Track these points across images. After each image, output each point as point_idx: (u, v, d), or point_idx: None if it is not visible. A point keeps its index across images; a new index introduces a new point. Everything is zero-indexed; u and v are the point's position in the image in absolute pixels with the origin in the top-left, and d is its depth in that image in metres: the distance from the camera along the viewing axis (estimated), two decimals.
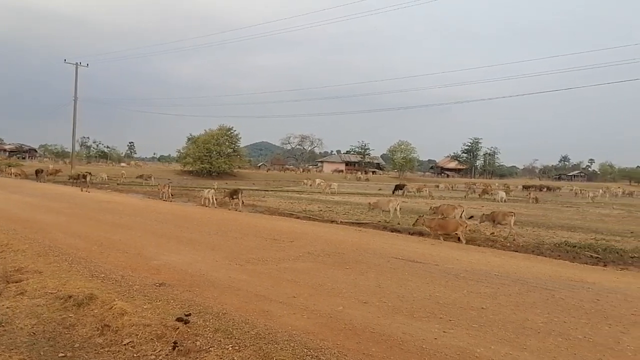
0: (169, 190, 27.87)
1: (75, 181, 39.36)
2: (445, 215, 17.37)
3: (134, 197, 28.37)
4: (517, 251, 12.73)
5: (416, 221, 15.75)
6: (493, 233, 15.75)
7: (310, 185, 48.65)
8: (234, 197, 23.15)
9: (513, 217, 16.26)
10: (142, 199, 26.59)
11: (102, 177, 45.37)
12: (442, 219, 15.73)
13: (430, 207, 20.97)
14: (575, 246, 13.35)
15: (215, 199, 23.80)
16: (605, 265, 11.34)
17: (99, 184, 41.42)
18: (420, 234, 15.32)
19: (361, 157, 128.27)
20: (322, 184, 44.54)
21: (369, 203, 22.08)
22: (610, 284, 8.82)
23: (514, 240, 14.69)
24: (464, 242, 13.97)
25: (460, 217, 17.29)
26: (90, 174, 41.57)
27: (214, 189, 27.89)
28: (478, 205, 29.71)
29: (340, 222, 18.01)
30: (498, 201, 34.37)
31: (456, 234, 14.30)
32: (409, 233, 15.63)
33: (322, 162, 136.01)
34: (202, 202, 23.98)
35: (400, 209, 20.44)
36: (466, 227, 14.67)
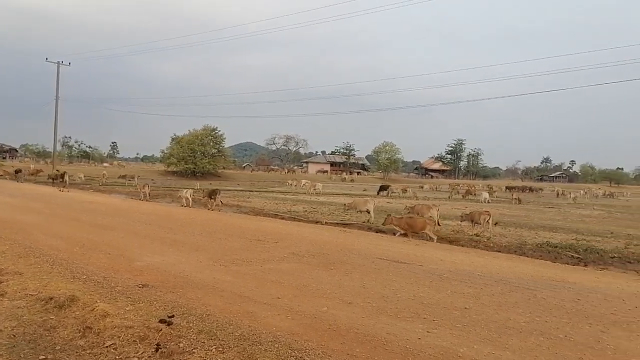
0: (148, 190, 27.89)
1: (53, 181, 39.26)
2: (421, 215, 17.57)
3: (116, 197, 28.09)
4: (500, 251, 12.86)
5: (385, 220, 16.02)
6: (477, 234, 15.91)
7: (295, 185, 48.65)
8: (213, 197, 23.29)
9: (488, 216, 16.70)
10: (125, 200, 26.34)
11: (79, 177, 44.69)
12: (410, 218, 15.92)
13: (406, 207, 21.12)
14: (556, 246, 13.52)
15: (193, 199, 23.94)
16: (585, 265, 11.50)
17: (80, 184, 40.98)
18: (404, 234, 15.37)
19: (346, 158, 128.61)
20: (307, 184, 44.55)
21: (345, 204, 21.92)
22: (591, 283, 8.95)
23: (489, 238, 15.02)
24: (435, 239, 14.28)
25: (436, 217, 17.58)
26: (67, 173, 41.22)
27: (193, 189, 27.79)
28: (462, 205, 29.95)
29: (325, 222, 18.02)
30: (482, 202, 34.66)
31: (425, 232, 14.68)
32: (393, 233, 15.67)
33: (307, 162, 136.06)
34: (182, 202, 24.11)
35: (374, 209, 20.36)
36: (434, 225, 15.03)
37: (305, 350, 5.03)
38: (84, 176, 46.14)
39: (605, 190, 65.22)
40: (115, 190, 34.91)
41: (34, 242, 10.72)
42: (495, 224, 18.08)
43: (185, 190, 25.04)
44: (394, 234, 15.21)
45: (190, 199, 23.78)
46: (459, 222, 17.50)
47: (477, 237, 15.08)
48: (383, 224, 16.13)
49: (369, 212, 19.83)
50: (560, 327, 6.11)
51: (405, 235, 14.85)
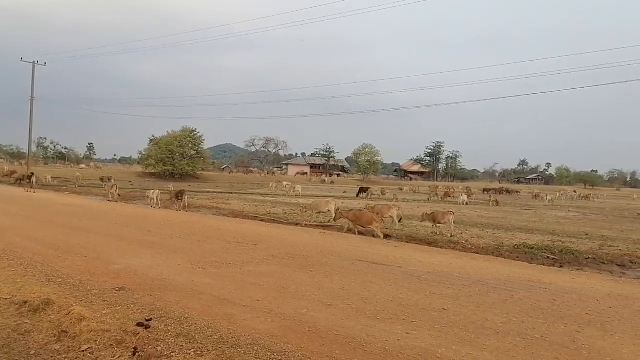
0: (116, 191, 27.86)
1: (20, 182, 39.16)
2: (382, 215, 17.72)
3: (93, 199, 27.65)
4: (477, 253, 12.98)
5: (335, 215, 16.57)
6: (435, 232, 16.38)
7: (276, 187, 48.49)
8: (179, 197, 23.40)
9: (452, 216, 17.04)
10: (102, 202, 25.97)
11: (46, 178, 44.11)
12: (359, 211, 16.51)
13: (367, 205, 21.22)
14: (533, 248, 13.70)
15: (160, 200, 24.21)
16: (561, 266, 11.69)
17: (56, 185, 40.35)
18: (385, 235, 15.45)
19: (326, 160, 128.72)
20: (288, 186, 44.47)
21: (303, 206, 21.53)
22: (566, 284, 9.10)
23: (453, 235, 15.58)
24: (382, 237, 14.84)
25: (397, 216, 18.08)
26: (34, 174, 40.84)
27: (160, 190, 27.72)
28: (441, 207, 30.20)
29: (305, 224, 17.99)
30: (460, 204, 34.99)
31: (371, 227, 15.24)
32: (349, 231, 15.73)
33: (287, 164, 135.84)
34: (149, 203, 24.42)
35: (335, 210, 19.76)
36: (382, 222, 15.63)
37: (284, 353, 5.02)
38: (52, 177, 45.35)
39: (580, 192, 66.41)
40: (92, 192, 34.31)
41: (7, 245, 10.50)
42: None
43: (152, 191, 25.26)
44: (351, 232, 15.70)
45: (157, 200, 24.11)
46: (420, 222, 18.09)
47: (456, 239, 15.22)
48: (334, 219, 16.79)
49: (330, 212, 19.59)
50: (536, 327, 6.20)
51: (352, 230, 15.46)
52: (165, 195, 25.58)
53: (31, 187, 34.01)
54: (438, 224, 17.07)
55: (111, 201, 26.33)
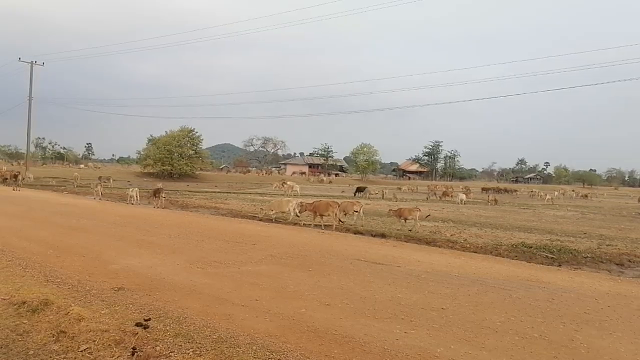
0: (101, 189, 28.79)
1: (6, 180, 40.53)
2: (346, 211, 18.93)
3: (91, 199, 27.60)
4: (476, 252, 12.98)
5: (300, 209, 18.34)
6: (398, 228, 17.08)
7: (276, 187, 48.46)
8: (157, 195, 24.31)
9: (418, 213, 17.88)
10: (100, 202, 25.92)
11: (28, 177, 45.57)
12: (318, 201, 18.65)
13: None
14: (531, 247, 13.72)
15: (139, 197, 25.52)
16: (559, 266, 11.69)
17: (55, 185, 40.39)
18: (383, 235, 15.48)
19: (324, 160, 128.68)
20: (288, 186, 44.34)
21: (261, 208, 20.84)
22: (565, 283, 9.11)
23: (417, 231, 16.37)
24: (334, 225, 16.98)
25: (359, 212, 18.77)
26: (20, 173, 42.67)
27: (139, 188, 28.83)
28: (439, 207, 30.24)
29: (303, 224, 17.99)
30: (458, 203, 35.05)
31: (329, 214, 17.28)
32: (372, 235, 15.74)
33: (285, 164, 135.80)
34: (128, 201, 25.42)
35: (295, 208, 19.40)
36: (336, 210, 17.36)
37: (283, 352, 5.02)
38: (33, 177, 47.54)
39: (579, 191, 66.49)
40: (91, 192, 34.29)
41: (5, 245, 10.49)
42: (427, 216, 20.29)
43: (132, 189, 26.71)
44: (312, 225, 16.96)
45: (137, 197, 25.42)
46: (387, 217, 19.31)
47: (454, 238, 15.23)
48: (299, 212, 18.50)
49: (290, 212, 19.31)
50: (535, 326, 6.21)
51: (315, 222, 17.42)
52: (144, 193, 27.17)
53: (17, 186, 35.27)
54: (405, 220, 17.91)
55: (96, 199, 27.00)
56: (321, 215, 17.61)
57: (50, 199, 25.35)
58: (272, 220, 18.83)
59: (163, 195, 24.82)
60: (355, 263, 10.14)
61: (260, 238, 13.23)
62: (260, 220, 18.77)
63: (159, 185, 35.19)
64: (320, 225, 17.37)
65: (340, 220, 18.13)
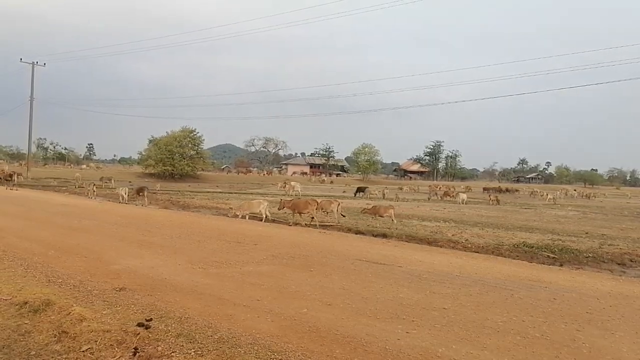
0: (94, 188, 29.72)
1: (1, 180, 41.36)
2: (325, 210, 19.57)
3: (93, 199, 27.63)
4: (477, 252, 12.98)
5: (280, 205, 19.01)
6: (374, 225, 17.77)
7: (281, 187, 48.43)
8: (140, 193, 25.81)
9: (393, 210, 19.15)
10: (101, 202, 25.95)
11: (25, 177, 46.91)
12: (298, 199, 19.28)
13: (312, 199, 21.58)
14: (533, 247, 13.70)
15: (128, 196, 26.60)
16: (561, 265, 11.68)
17: (56, 186, 40.44)
18: (384, 235, 15.47)
19: (325, 160, 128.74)
20: (289, 186, 44.32)
21: (231, 208, 20.52)
22: (566, 283, 9.10)
23: (396, 228, 16.92)
24: (317, 223, 17.52)
25: (337, 210, 19.25)
26: (15, 173, 43.74)
27: (142, 187, 29.29)
28: (440, 207, 30.24)
29: (305, 224, 17.99)
30: (459, 203, 35.03)
31: (308, 211, 17.96)
32: (373, 235, 15.73)
33: (286, 164, 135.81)
34: (118, 199, 26.34)
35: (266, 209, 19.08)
36: (316, 207, 18.12)
37: (284, 352, 5.02)
38: (31, 177, 48.85)
39: (581, 191, 66.41)
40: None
41: (7, 246, 10.50)
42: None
43: (121, 188, 27.73)
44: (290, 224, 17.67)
45: (127, 196, 26.38)
46: (361, 213, 20.24)
47: (455, 239, 15.21)
48: (279, 209, 19.08)
49: (262, 212, 18.95)
50: (536, 326, 6.20)
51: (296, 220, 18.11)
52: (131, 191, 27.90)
53: (13, 185, 36.39)
54: (379, 217, 18.98)
55: (91, 198, 27.77)
56: (300, 213, 18.20)
57: (51, 200, 25.36)
58: (272, 220, 18.84)
59: (146, 194, 26.18)
60: (357, 263, 10.13)
61: (261, 238, 13.23)
62: (243, 218, 19.00)
63: (143, 185, 35.35)
64: (315, 225, 17.49)
65: (342, 214, 19.06)
